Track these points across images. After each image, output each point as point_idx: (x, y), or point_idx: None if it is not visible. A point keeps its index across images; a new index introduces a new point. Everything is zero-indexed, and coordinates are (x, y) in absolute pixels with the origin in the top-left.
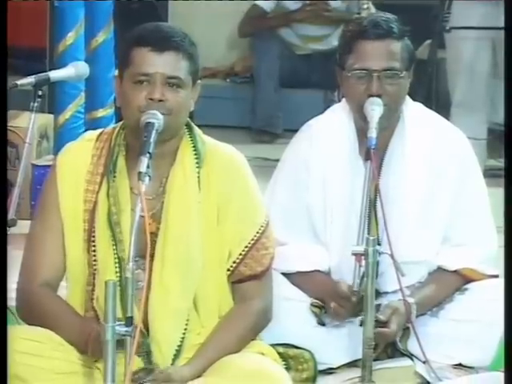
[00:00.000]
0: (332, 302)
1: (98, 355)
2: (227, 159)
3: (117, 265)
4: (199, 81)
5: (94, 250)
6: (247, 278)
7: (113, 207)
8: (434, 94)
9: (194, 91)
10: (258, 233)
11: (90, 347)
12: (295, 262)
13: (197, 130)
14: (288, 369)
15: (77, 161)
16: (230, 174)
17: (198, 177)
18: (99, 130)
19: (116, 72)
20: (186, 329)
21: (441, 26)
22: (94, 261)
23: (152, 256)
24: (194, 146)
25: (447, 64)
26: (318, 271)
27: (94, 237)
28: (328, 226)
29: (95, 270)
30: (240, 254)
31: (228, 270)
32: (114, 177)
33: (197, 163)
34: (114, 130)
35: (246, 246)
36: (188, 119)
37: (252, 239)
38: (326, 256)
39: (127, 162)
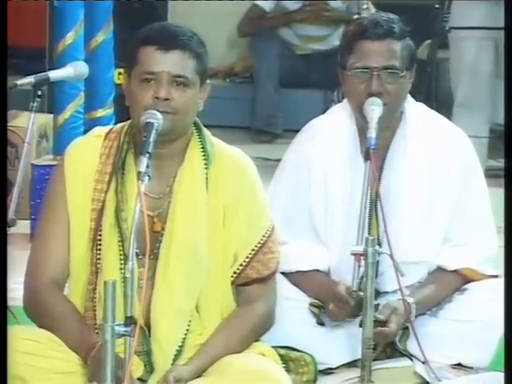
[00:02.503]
0: (330, 303)
1: (96, 375)
2: (235, 162)
3: (122, 261)
4: (208, 81)
5: (99, 249)
6: (253, 281)
7: (121, 203)
8: (434, 93)
9: (203, 91)
10: (264, 236)
11: (90, 367)
12: (295, 261)
13: (205, 131)
14: (288, 371)
15: (85, 158)
16: (237, 177)
17: (206, 178)
18: (108, 127)
19: (116, 72)
20: (188, 329)
21: (440, 25)
22: (98, 259)
23: (156, 255)
24: (202, 147)
25: (450, 64)
26: (318, 271)
27: (100, 235)
28: (329, 225)
29: (98, 269)
30: (247, 257)
31: (234, 272)
32: (123, 174)
33: (205, 164)
34: (122, 129)
35: (253, 250)
36: (197, 119)
37: (259, 242)
38: (326, 255)
39: (136, 160)
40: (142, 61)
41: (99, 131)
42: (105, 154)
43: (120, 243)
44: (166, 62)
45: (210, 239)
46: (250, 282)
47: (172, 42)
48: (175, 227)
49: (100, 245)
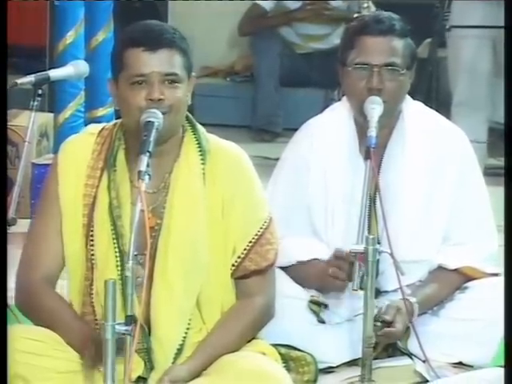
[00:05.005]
0: (329, 268)
1: (96, 362)
2: (232, 156)
3: (118, 259)
4: (193, 73)
5: (92, 245)
6: (252, 274)
7: (114, 200)
8: (434, 92)
9: (190, 85)
10: (261, 228)
11: (88, 353)
12: (294, 253)
13: (199, 127)
14: (288, 371)
15: (78, 154)
16: (235, 171)
17: (204, 173)
18: (102, 125)
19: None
20: (188, 328)
21: (441, 24)
22: (92, 255)
23: (152, 252)
24: (198, 143)
25: (448, 62)
26: (318, 260)
27: (92, 231)
28: (329, 225)
29: (93, 264)
30: (245, 249)
31: (233, 265)
32: (115, 171)
33: (202, 159)
34: (114, 126)
35: (251, 241)
36: (190, 116)
37: (256, 234)
38: (325, 247)
39: (127, 156)
40: (129, 64)
41: (93, 128)
42: (97, 150)
43: (115, 240)
44: (155, 62)
45: (209, 234)
46: (249, 275)
47: (158, 40)
48: (173, 223)
49: (93, 240)
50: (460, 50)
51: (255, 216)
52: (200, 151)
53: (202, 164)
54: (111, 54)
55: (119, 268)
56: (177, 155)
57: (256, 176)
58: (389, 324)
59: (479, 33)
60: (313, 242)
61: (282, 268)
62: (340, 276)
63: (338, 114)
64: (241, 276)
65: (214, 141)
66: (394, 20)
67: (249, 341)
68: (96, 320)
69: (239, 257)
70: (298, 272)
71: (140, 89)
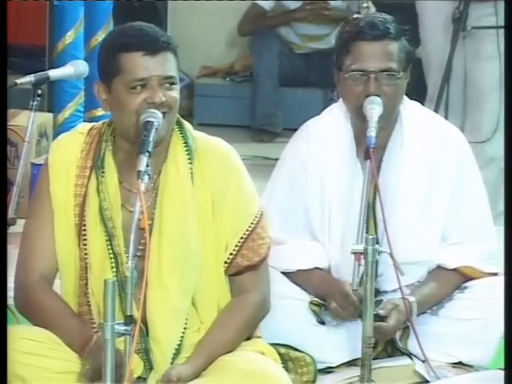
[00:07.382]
0: (333, 302)
1: (95, 368)
2: (219, 153)
3: (112, 260)
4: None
5: (85, 244)
6: (245, 270)
7: (104, 203)
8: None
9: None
10: (252, 223)
11: (87, 360)
12: (295, 260)
13: (186, 126)
14: (287, 371)
15: (68, 154)
16: (223, 168)
17: (191, 172)
18: (91, 124)
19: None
20: (185, 327)
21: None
22: (85, 255)
23: (143, 252)
24: (185, 142)
25: (422, 59)
26: (318, 268)
27: (84, 230)
28: (326, 226)
29: (87, 264)
30: (236, 246)
31: (225, 262)
32: (103, 172)
33: (189, 159)
34: (102, 125)
35: (242, 237)
36: (177, 115)
37: (247, 230)
38: (325, 253)
39: (115, 158)
40: (127, 68)
41: (83, 128)
42: (85, 149)
43: (108, 242)
44: (155, 67)
45: (200, 232)
46: (242, 271)
47: (156, 44)
48: (163, 223)
49: (86, 240)
50: (429, 44)
51: (245, 211)
52: (187, 151)
53: (190, 163)
54: (100, 58)
55: (114, 269)
56: (165, 156)
57: (244, 171)
58: (382, 319)
59: (446, 28)
60: (313, 249)
61: (283, 272)
62: (341, 315)
63: (336, 115)
64: (234, 273)
65: (201, 139)
66: (388, 23)
67: (248, 339)
68: (92, 319)
69: (231, 253)
70: (299, 279)
71: (139, 92)
